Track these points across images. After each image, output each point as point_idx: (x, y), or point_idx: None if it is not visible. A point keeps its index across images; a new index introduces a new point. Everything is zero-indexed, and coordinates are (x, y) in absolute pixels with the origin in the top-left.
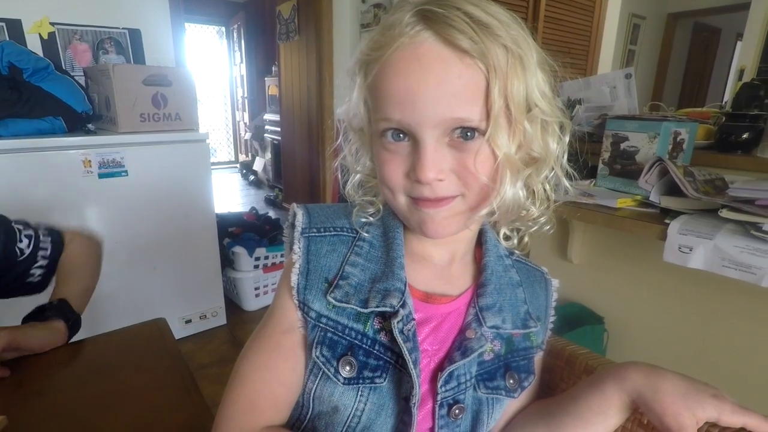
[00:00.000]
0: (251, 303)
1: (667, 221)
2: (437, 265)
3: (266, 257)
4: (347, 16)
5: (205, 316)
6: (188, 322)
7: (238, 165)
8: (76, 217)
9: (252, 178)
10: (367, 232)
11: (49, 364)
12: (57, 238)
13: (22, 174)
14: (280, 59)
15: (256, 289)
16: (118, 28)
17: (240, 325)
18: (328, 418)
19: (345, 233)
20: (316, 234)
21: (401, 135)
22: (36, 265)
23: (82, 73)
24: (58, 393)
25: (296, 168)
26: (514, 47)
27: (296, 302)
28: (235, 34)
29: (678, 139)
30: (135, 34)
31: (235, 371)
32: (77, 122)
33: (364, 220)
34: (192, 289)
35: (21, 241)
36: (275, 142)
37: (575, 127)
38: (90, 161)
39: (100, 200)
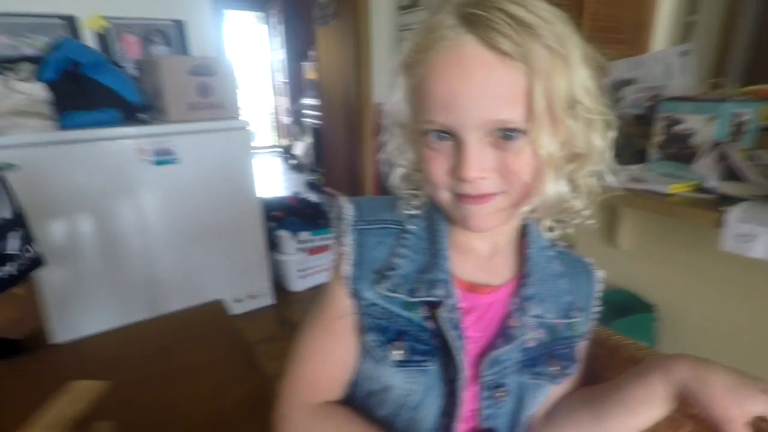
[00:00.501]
0: (297, 284)
1: (725, 208)
2: (480, 257)
3: (310, 240)
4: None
5: (254, 296)
6: (238, 301)
7: (279, 149)
8: (133, 204)
9: (293, 162)
10: (413, 224)
11: (122, 342)
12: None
13: (84, 162)
14: (317, 44)
15: (300, 270)
16: (165, 19)
17: (287, 305)
18: (380, 397)
19: (392, 226)
20: (365, 227)
21: (445, 135)
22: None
23: (133, 65)
24: (134, 365)
25: (336, 152)
26: (557, 46)
27: (348, 291)
28: (273, 19)
29: (740, 120)
30: (180, 26)
31: (293, 352)
32: (131, 112)
33: (409, 212)
34: (241, 270)
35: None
36: (315, 126)
37: (624, 110)
38: (144, 149)
39: (155, 187)
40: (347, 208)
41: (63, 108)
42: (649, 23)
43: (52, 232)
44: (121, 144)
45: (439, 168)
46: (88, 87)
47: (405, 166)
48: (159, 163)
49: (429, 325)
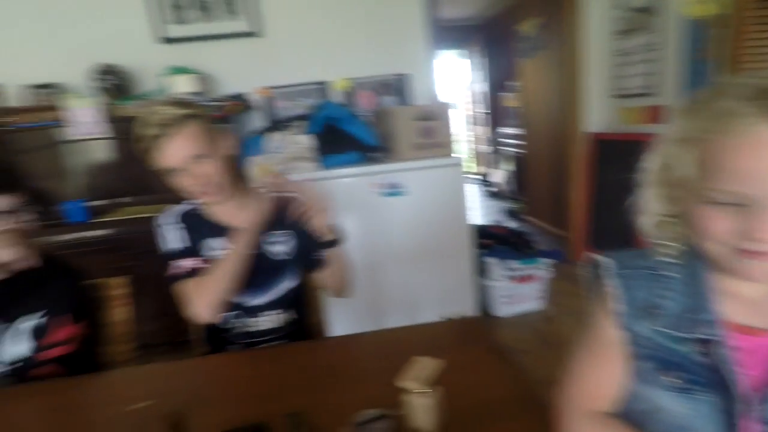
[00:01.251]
0: (501, 309)
1: None
2: (749, 301)
3: (518, 269)
4: (598, 26)
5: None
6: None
7: (476, 176)
8: (366, 228)
9: (490, 189)
10: (673, 270)
11: (400, 338)
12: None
13: (335, 194)
14: (520, 75)
15: (505, 297)
16: (393, 75)
17: (490, 329)
18: (652, 416)
19: (649, 271)
20: (626, 272)
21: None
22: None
23: (367, 114)
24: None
25: (540, 181)
26: None
27: (618, 324)
28: (475, 55)
29: None
30: (404, 78)
31: (569, 368)
32: (367, 153)
33: (668, 260)
34: (449, 291)
35: None
36: (516, 154)
37: None
38: (378, 184)
39: (385, 215)
40: (606, 260)
41: (323, 153)
42: None
43: None
44: (361, 179)
45: (720, 226)
46: (339, 135)
47: (659, 216)
48: (388, 194)
49: (701, 359)
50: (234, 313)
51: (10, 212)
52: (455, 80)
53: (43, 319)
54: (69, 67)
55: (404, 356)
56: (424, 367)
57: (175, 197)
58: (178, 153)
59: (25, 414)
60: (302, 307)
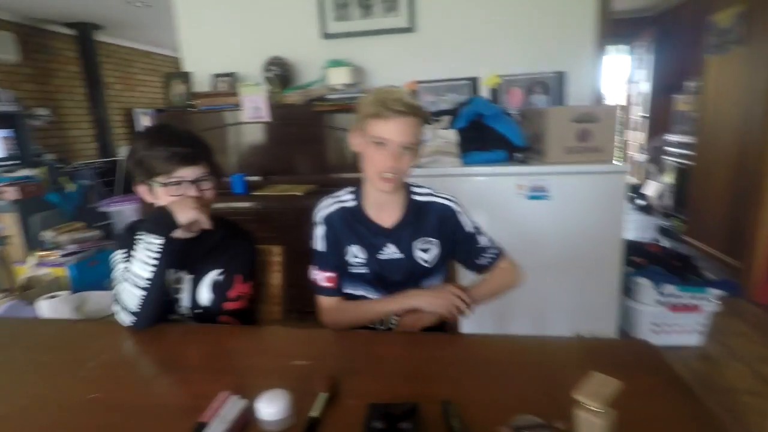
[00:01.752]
0: (649, 338)
1: None
2: None
3: (676, 295)
4: None
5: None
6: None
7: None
8: (505, 229)
9: (640, 202)
10: None
11: (553, 352)
12: (497, 254)
13: (477, 191)
14: (705, 74)
15: (656, 324)
16: (548, 72)
17: None
18: None
19: None
20: None
21: None
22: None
23: (515, 112)
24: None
25: (711, 199)
26: None
27: None
28: (639, 51)
29: None
30: (560, 76)
31: None
32: (514, 153)
33: None
34: (586, 307)
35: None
36: (680, 166)
37: None
38: (522, 185)
39: (527, 218)
40: None
41: (466, 149)
42: None
43: None
44: (505, 179)
45: None
46: (485, 132)
47: None
48: (532, 197)
49: None
50: None
51: (198, 181)
52: (611, 79)
53: (222, 276)
54: (246, 58)
55: (557, 367)
56: (603, 384)
57: (320, 179)
58: (398, 133)
59: (198, 349)
60: None
